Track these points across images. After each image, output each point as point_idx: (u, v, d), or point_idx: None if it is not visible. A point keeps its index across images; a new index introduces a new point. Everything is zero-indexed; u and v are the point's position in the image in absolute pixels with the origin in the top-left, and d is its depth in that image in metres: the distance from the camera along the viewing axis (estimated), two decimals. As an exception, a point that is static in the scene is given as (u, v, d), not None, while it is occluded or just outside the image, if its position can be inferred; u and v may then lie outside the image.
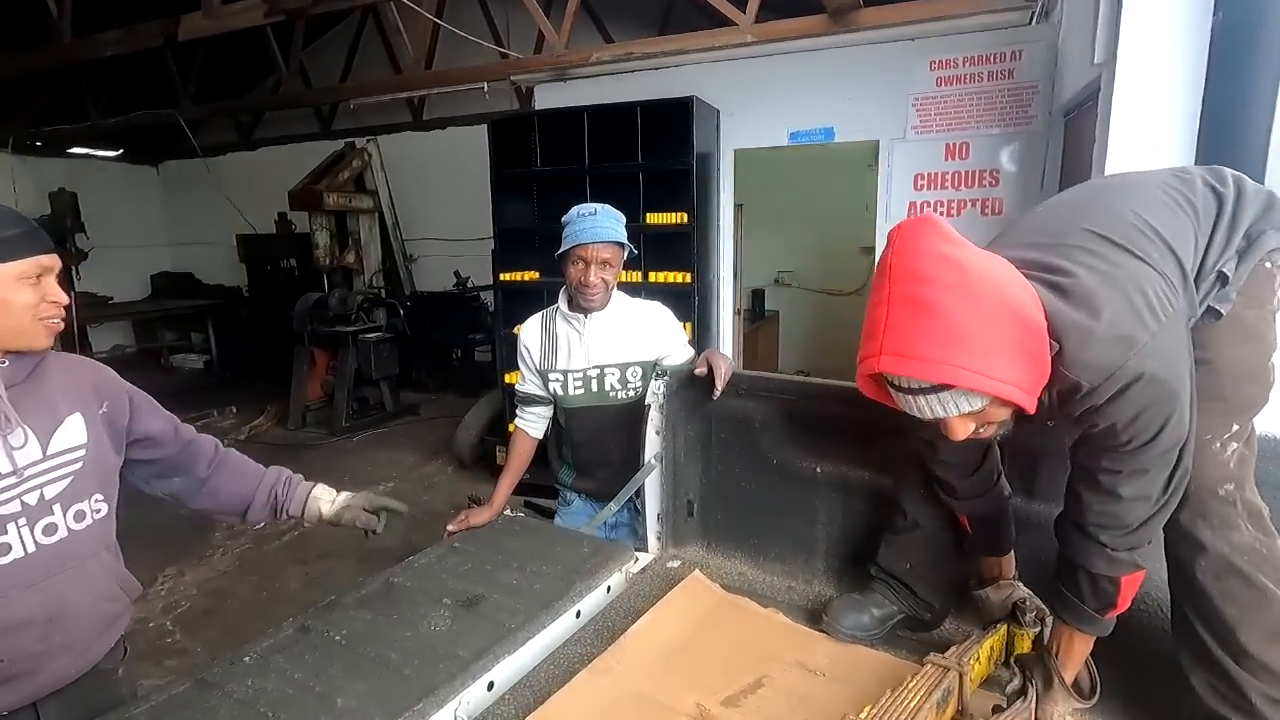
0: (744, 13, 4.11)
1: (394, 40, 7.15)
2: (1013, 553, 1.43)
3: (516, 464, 2.16)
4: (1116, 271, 0.99)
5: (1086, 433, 1.05)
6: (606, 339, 2.02)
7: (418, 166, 7.99)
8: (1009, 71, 3.66)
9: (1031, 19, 3.62)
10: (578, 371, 2.03)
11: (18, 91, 7.53)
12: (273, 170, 8.39)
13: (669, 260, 3.99)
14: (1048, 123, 3.59)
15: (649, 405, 1.86)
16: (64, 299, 1.25)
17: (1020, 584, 1.41)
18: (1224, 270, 1.07)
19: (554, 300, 2.09)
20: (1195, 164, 2.37)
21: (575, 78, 4.59)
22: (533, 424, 2.15)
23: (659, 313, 2.09)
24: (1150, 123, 2.33)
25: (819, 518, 1.69)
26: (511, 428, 2.22)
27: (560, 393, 2.06)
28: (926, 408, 0.97)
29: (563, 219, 1.99)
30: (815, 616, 1.53)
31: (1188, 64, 2.27)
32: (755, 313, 7.61)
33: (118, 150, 9.41)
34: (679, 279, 3.96)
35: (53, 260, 1.24)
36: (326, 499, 1.62)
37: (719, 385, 1.73)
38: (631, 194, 4.00)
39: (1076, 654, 1.18)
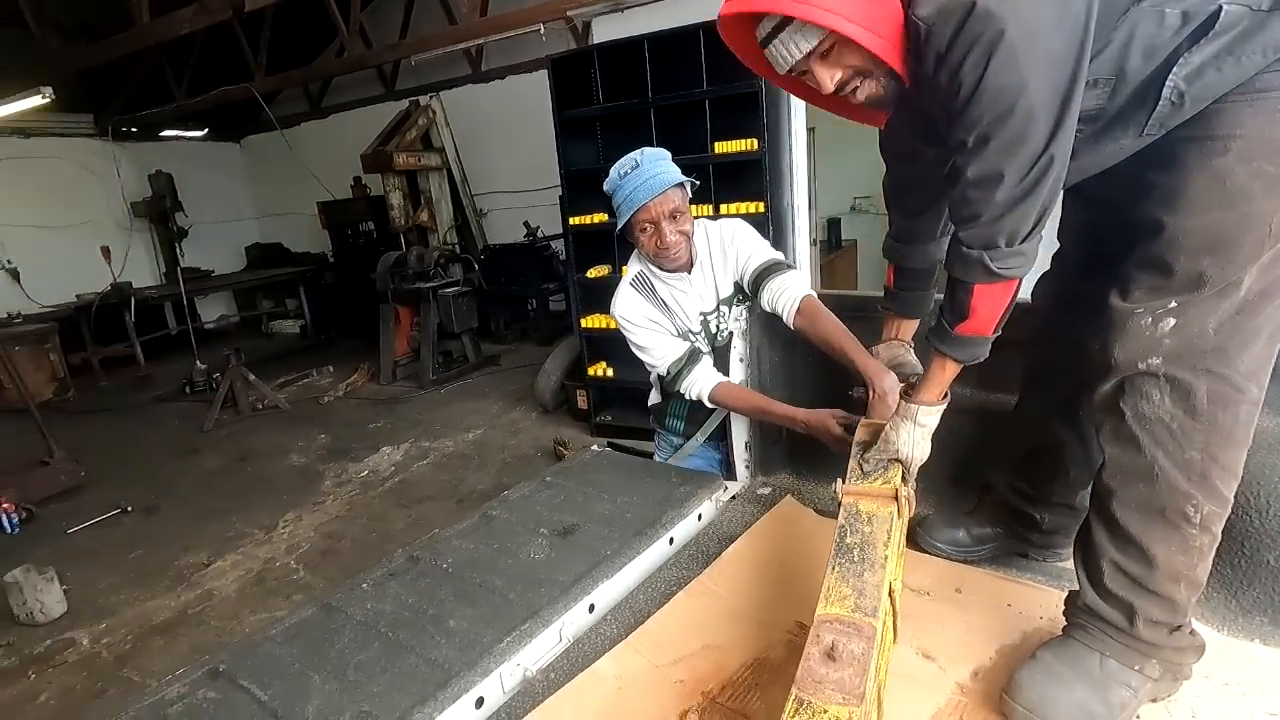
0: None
1: (448, -9, 7.09)
2: (916, 324, 1.44)
3: (755, 394, 1.80)
4: None
5: (946, 106, 0.93)
6: (705, 282, 1.82)
7: (480, 120, 8.00)
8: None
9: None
10: (699, 331, 1.85)
11: (110, 81, 7.97)
12: (344, 136, 8.60)
13: (740, 190, 3.85)
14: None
15: (731, 333, 1.81)
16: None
17: (911, 350, 1.41)
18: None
19: (624, 246, 1.87)
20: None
21: (633, 6, 4.42)
22: (717, 375, 1.78)
23: (729, 228, 1.84)
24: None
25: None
26: (707, 388, 1.77)
27: None
28: (778, 55, 0.99)
29: (604, 187, 1.74)
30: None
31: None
32: (831, 242, 7.33)
33: (203, 130, 9.86)
34: (752, 209, 3.82)
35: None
36: None
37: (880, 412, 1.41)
38: (698, 124, 3.86)
39: (933, 377, 1.15)
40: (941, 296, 1.17)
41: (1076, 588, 1.08)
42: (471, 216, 8.23)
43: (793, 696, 0.84)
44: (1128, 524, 0.99)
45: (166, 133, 9.40)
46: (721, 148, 3.84)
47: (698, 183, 1.78)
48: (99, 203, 8.89)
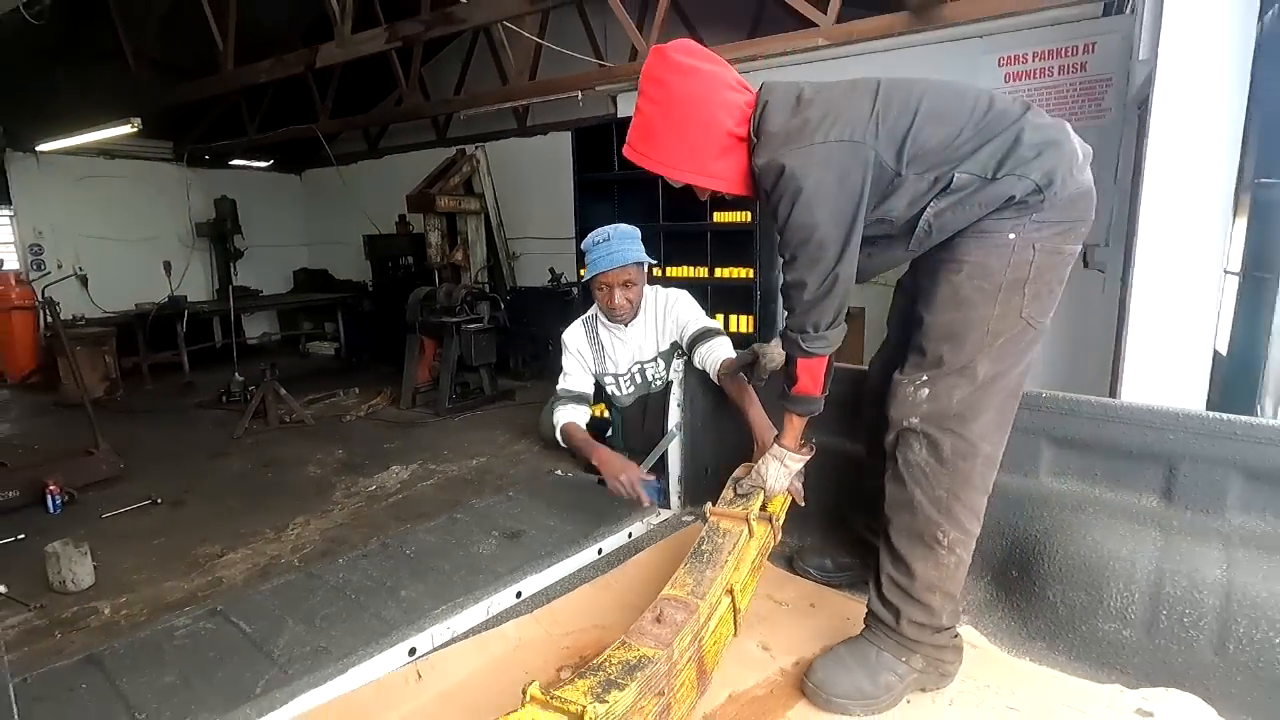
0: (825, 13, 4.25)
1: (501, 55, 7.74)
2: None
3: (585, 436, 2.17)
4: (840, 102, 1.24)
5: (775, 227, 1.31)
6: (645, 336, 2.24)
7: (520, 169, 8.58)
8: (1081, 65, 3.62)
9: (1109, 10, 3.56)
10: (625, 373, 2.28)
11: (190, 114, 8.80)
12: (395, 176, 9.27)
13: (734, 257, 4.23)
14: (1122, 115, 3.52)
15: (671, 381, 2.14)
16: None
17: None
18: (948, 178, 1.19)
19: None
20: (1242, 162, 2.37)
21: (654, 86, 4.89)
22: (581, 416, 2.24)
23: (674, 297, 2.24)
24: (1193, 118, 2.34)
25: (809, 482, 1.91)
26: (562, 421, 2.21)
27: (616, 393, 2.33)
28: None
29: (581, 245, 2.15)
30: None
31: (1233, 62, 2.27)
32: (838, 310, 7.58)
33: (268, 161, 10.70)
34: (742, 274, 4.18)
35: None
36: None
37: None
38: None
39: (787, 427, 1.53)
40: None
41: None
42: (504, 259, 8.75)
43: (620, 640, 1.14)
44: (898, 545, 1.28)
45: (235, 162, 10.24)
46: (720, 217, 4.24)
47: (655, 263, 2.19)
48: (166, 221, 9.69)
